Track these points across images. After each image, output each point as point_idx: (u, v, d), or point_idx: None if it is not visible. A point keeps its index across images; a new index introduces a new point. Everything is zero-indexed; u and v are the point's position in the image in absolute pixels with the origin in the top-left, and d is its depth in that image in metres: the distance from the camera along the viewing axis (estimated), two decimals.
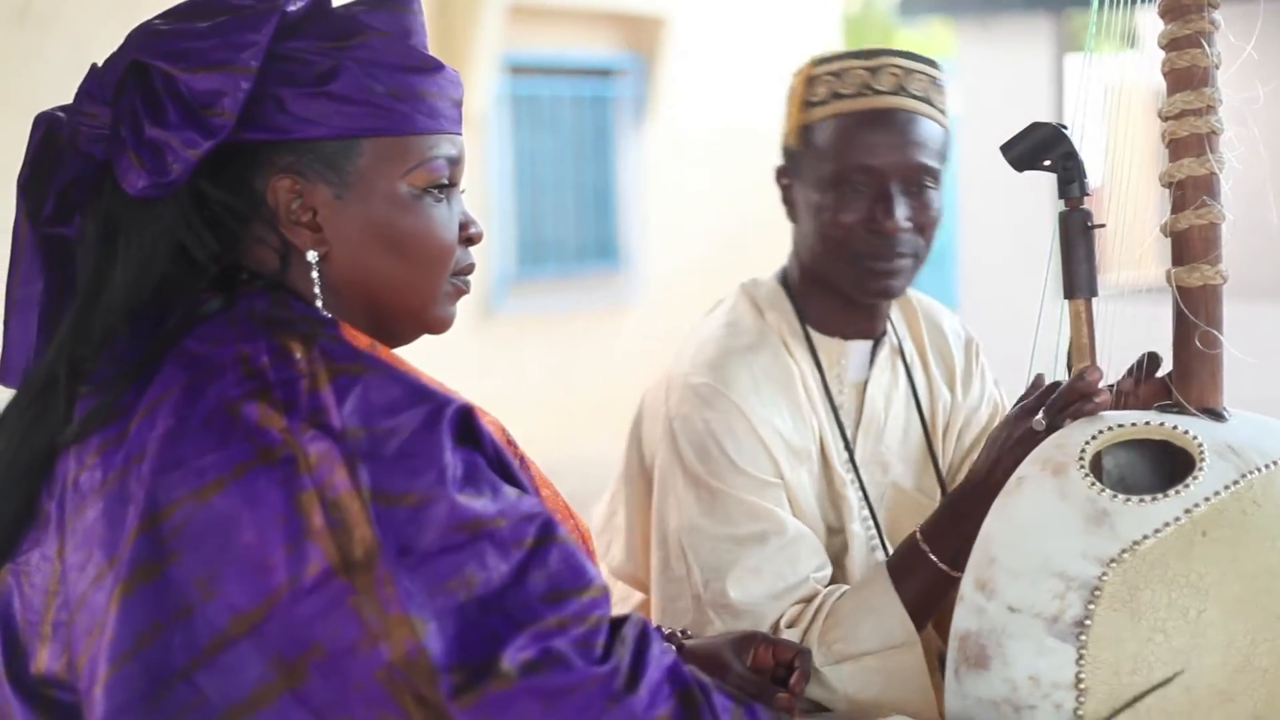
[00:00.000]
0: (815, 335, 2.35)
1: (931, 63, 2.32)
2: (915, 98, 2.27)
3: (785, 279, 2.40)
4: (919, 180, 2.25)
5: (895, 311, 2.46)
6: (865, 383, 2.37)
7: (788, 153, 2.36)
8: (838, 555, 2.29)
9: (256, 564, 1.39)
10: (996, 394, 2.51)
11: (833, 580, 2.22)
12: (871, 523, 2.32)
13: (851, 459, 2.33)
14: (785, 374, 2.29)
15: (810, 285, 2.35)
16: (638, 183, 11.91)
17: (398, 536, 1.39)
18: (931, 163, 2.26)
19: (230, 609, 1.39)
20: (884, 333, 2.40)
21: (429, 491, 1.41)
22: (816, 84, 2.29)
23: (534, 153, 11.36)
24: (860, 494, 2.32)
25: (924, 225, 2.26)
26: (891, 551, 2.27)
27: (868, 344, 2.38)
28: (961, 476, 2.39)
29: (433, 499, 1.41)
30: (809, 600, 2.16)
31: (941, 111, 2.31)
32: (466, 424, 1.47)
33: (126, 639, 1.40)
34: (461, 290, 1.67)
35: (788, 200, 2.37)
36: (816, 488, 2.29)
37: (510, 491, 1.47)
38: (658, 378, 2.39)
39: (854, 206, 2.24)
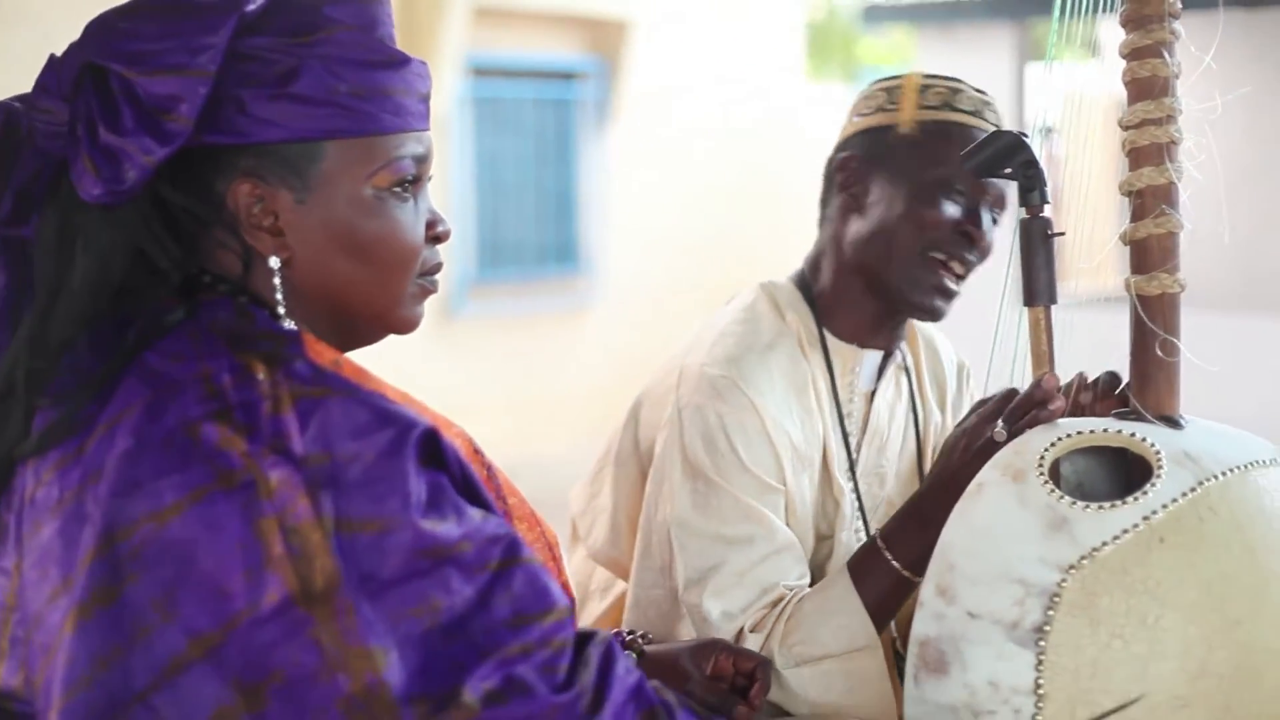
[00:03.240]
0: (831, 340, 2.33)
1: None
2: None
3: (803, 282, 2.37)
4: (995, 210, 2.28)
5: None
6: (873, 393, 2.36)
7: (881, 142, 2.31)
8: (823, 562, 2.28)
9: (215, 589, 1.37)
10: None
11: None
12: (864, 533, 2.31)
13: (852, 468, 2.33)
14: (800, 377, 2.27)
15: (845, 287, 2.32)
16: (599, 186, 11.91)
17: (360, 564, 1.38)
18: (1004, 198, 2.29)
19: (188, 631, 1.37)
20: (898, 346, 2.40)
21: (393, 518, 1.40)
22: (930, 91, 2.30)
23: (496, 155, 11.34)
24: (856, 504, 2.32)
25: (986, 251, 2.28)
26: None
27: (879, 355, 2.37)
28: None
29: (397, 526, 1.39)
30: (775, 604, 2.15)
31: None
32: (431, 446, 1.46)
33: (84, 664, 1.38)
34: (429, 290, 1.64)
35: (849, 190, 2.32)
36: (815, 495, 2.29)
37: (475, 514, 1.46)
38: (666, 364, 2.36)
39: (950, 210, 2.23)
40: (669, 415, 2.26)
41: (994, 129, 2.24)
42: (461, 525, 1.43)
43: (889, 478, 2.38)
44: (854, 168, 2.32)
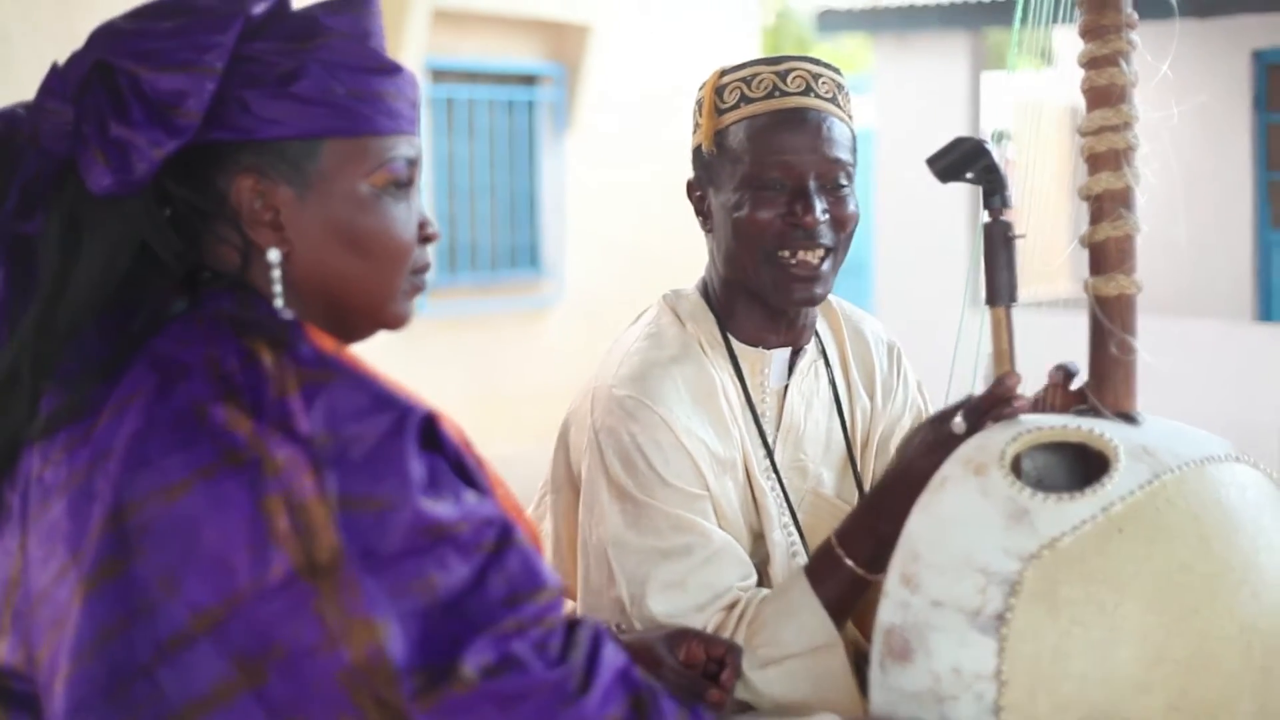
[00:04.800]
0: (737, 344, 2.35)
1: (835, 69, 2.34)
2: (823, 99, 2.28)
3: (705, 290, 2.40)
4: (835, 176, 2.26)
5: (818, 316, 2.46)
6: (785, 389, 2.38)
7: (700, 162, 2.36)
8: (760, 564, 2.30)
9: (220, 564, 1.40)
10: (920, 400, 2.53)
11: (758, 586, 2.24)
12: (793, 529, 2.33)
13: (773, 466, 2.34)
14: (708, 385, 2.29)
15: (732, 296, 2.35)
16: (559, 190, 11.90)
17: (362, 541, 1.41)
18: (845, 158, 2.27)
19: (192, 607, 1.40)
20: (807, 340, 2.41)
21: (393, 497, 1.43)
22: (725, 91, 2.31)
23: (456, 158, 11.32)
24: (782, 501, 2.33)
25: (842, 220, 2.27)
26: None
27: (787, 351, 2.39)
28: None
29: (397, 504, 1.43)
30: (732, 607, 2.18)
31: (849, 115, 2.32)
32: (430, 430, 1.49)
33: (89, 635, 1.41)
34: (419, 288, 1.68)
35: (701, 212, 2.37)
36: (740, 497, 2.30)
37: (471, 496, 1.50)
38: (583, 387, 2.39)
39: (772, 204, 2.24)
40: (588, 440, 2.28)
41: (800, 92, 2.27)
42: (459, 507, 1.47)
43: (810, 469, 2.39)
44: (695, 192, 2.39)
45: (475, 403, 10.82)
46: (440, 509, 1.45)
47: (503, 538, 1.49)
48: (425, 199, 10.80)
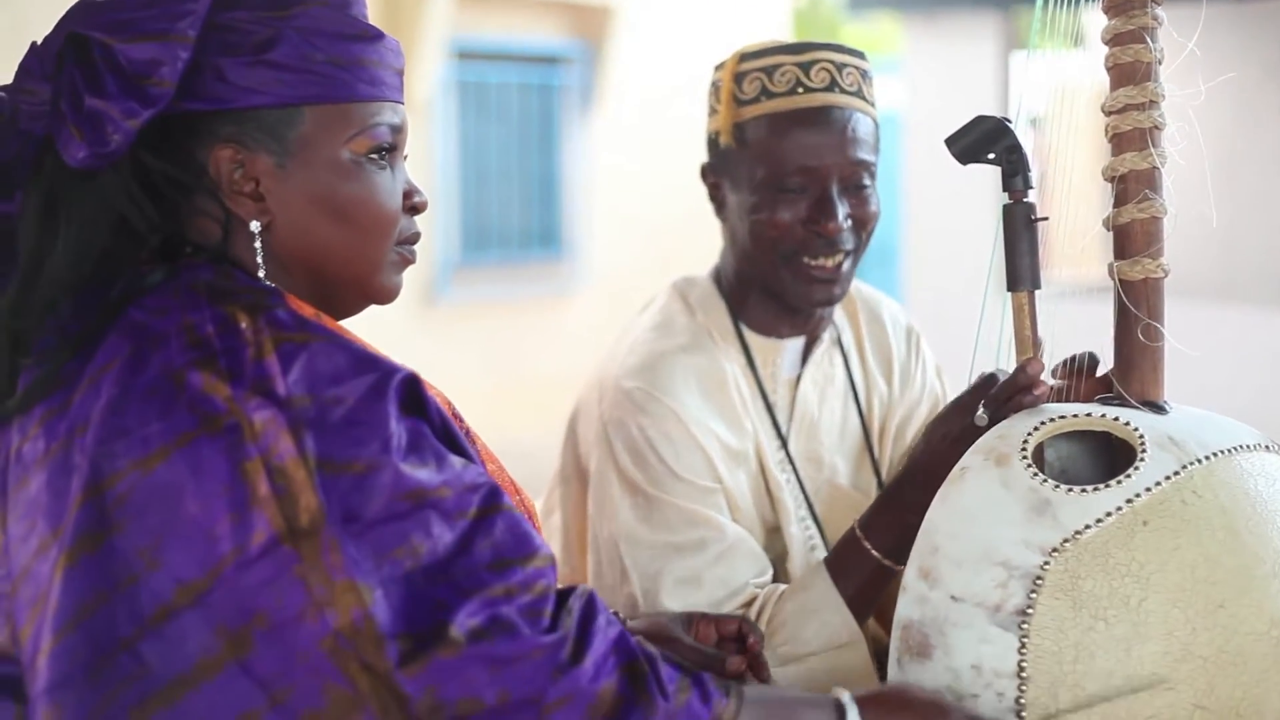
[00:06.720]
0: (749, 334, 2.31)
1: (860, 54, 2.27)
2: (848, 93, 2.22)
3: (718, 278, 2.35)
4: (858, 178, 2.21)
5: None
6: (798, 378, 2.34)
7: (717, 151, 2.29)
8: (778, 558, 2.27)
9: (202, 533, 1.40)
10: (938, 386, 2.49)
11: (774, 581, 2.21)
12: (810, 521, 2.30)
13: (787, 457, 2.30)
14: (719, 375, 2.25)
15: (745, 286, 2.30)
16: (583, 171, 11.90)
17: (343, 504, 1.41)
18: (868, 158, 2.22)
19: (175, 579, 1.39)
20: (823, 329, 2.37)
21: (374, 460, 1.43)
22: (745, 81, 2.23)
23: (480, 139, 11.33)
24: (798, 493, 2.30)
25: (863, 221, 2.22)
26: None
27: (800, 340, 2.34)
28: None
29: (378, 467, 1.43)
30: (749, 605, 2.15)
31: (872, 104, 2.26)
32: (412, 393, 1.49)
33: (69, 609, 1.40)
34: (407, 260, 1.67)
35: (716, 199, 2.31)
36: (754, 490, 2.27)
37: (456, 461, 1.49)
38: (590, 377, 2.35)
39: (791, 207, 2.19)
40: (597, 432, 2.25)
41: (824, 88, 2.20)
42: (442, 471, 1.47)
43: (826, 460, 2.35)
44: (709, 178, 2.32)
45: (497, 386, 10.83)
46: (422, 473, 1.45)
47: (489, 503, 1.48)
48: (449, 181, 10.80)
